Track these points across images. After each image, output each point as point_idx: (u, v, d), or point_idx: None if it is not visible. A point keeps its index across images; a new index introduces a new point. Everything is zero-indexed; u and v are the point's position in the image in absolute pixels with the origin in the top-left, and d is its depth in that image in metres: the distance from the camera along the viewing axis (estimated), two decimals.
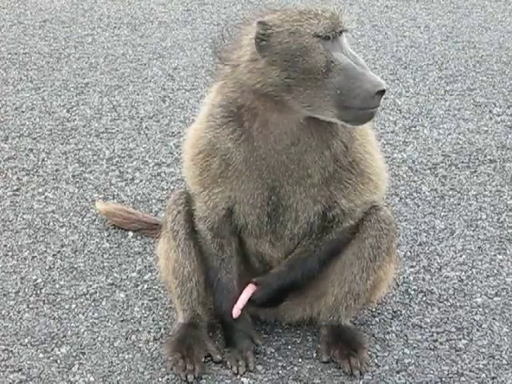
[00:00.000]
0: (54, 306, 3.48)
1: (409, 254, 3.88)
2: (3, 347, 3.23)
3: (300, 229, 3.04)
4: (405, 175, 4.61)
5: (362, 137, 3.00)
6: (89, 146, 4.93)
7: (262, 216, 3.01)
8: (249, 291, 3.07)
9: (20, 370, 3.11)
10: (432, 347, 3.25)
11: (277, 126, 2.83)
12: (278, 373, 3.10)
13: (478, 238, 4.01)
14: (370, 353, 3.18)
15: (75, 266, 3.76)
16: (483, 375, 3.09)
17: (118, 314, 3.44)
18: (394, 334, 3.32)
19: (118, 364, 3.14)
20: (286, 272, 3.07)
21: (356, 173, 2.99)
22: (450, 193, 4.45)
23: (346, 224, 3.06)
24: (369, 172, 3.02)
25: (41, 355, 3.19)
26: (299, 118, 2.83)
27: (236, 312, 3.06)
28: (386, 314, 3.46)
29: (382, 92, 2.67)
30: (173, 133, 5.13)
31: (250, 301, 3.07)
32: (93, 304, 3.49)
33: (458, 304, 3.52)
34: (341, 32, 2.76)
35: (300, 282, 3.09)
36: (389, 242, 3.14)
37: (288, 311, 3.30)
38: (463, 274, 3.73)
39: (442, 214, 4.23)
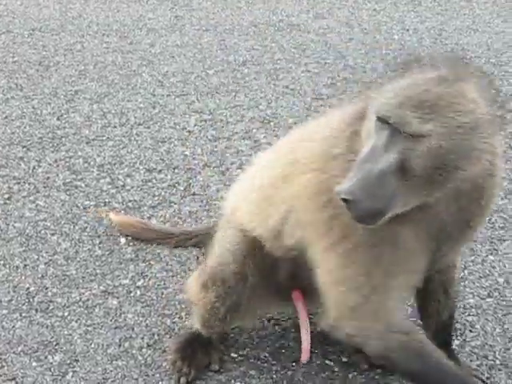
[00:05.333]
0: (46, 314, 3.47)
1: None
2: None
3: None
4: None
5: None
6: (79, 153, 4.92)
7: None
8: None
9: (13, 378, 3.10)
10: None
11: None
12: (271, 377, 3.10)
13: None
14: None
15: (67, 273, 3.75)
16: None
17: (110, 321, 3.43)
18: None
19: (111, 371, 3.14)
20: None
21: None
22: None
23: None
24: None
25: (34, 363, 3.18)
26: None
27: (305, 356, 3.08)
28: None
29: (344, 201, 2.26)
30: (163, 139, 5.12)
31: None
32: (86, 311, 3.49)
33: None
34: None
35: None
36: None
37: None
38: None
39: None
